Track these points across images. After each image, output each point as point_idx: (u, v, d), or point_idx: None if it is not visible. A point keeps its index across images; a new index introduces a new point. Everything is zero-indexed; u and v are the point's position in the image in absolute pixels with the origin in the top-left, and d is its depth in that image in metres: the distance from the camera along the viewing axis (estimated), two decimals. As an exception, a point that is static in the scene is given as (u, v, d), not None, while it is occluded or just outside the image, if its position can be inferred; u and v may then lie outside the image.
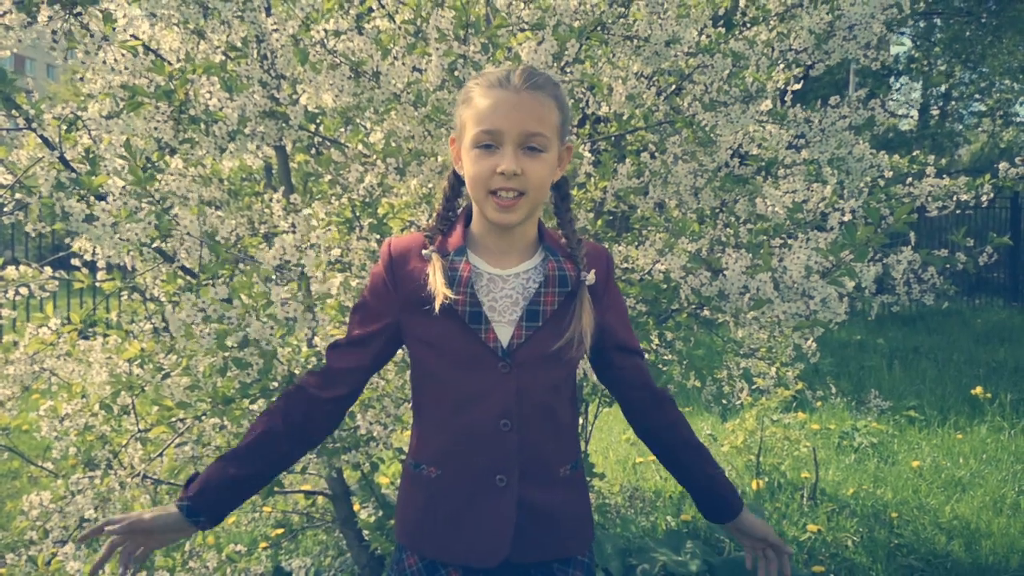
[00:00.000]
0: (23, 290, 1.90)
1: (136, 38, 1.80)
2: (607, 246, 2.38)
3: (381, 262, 1.28)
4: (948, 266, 2.02)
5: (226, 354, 1.57)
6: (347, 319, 1.83)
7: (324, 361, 1.31)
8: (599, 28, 2.01)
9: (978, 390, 5.52)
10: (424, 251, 1.25)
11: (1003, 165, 2.40)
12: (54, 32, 1.68)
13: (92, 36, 1.68)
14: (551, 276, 1.24)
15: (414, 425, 1.32)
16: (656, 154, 2.34)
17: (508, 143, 1.17)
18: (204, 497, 1.22)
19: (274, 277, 1.59)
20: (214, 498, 1.22)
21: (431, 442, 1.27)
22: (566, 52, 1.93)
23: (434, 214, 1.33)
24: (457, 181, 1.32)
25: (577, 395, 2.38)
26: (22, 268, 1.90)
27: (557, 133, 1.22)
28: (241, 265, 1.83)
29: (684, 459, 1.35)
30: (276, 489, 1.90)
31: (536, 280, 1.25)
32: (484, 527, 1.22)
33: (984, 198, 2.40)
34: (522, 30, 2.04)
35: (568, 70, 2.04)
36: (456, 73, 1.85)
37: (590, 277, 1.25)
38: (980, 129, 21.21)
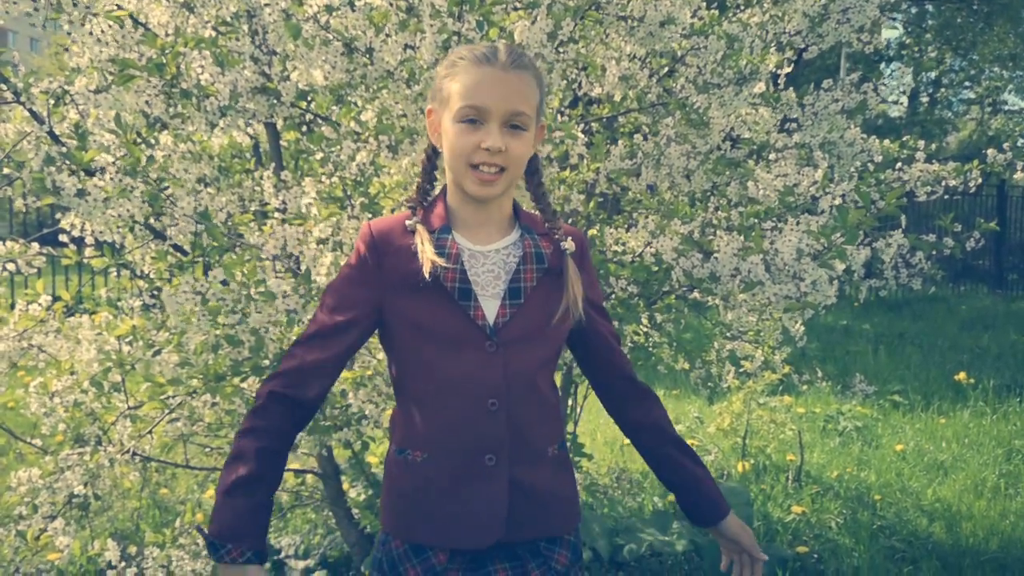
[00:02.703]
0: (10, 266, 1.89)
1: (121, 8, 1.78)
2: (599, 228, 2.38)
3: (362, 243, 1.25)
4: (935, 252, 2.04)
5: (218, 332, 1.56)
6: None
7: (287, 360, 1.23)
8: (594, 7, 2.00)
9: (961, 376, 5.58)
10: (408, 222, 1.23)
11: (991, 151, 2.42)
12: (36, 0, 1.65)
13: (76, 5, 1.65)
14: (528, 253, 1.25)
15: (396, 411, 1.31)
16: (649, 136, 2.34)
17: (493, 120, 1.17)
18: (220, 526, 1.13)
19: (265, 258, 1.58)
20: (231, 522, 1.13)
21: (416, 426, 1.25)
22: (560, 31, 1.92)
23: (414, 188, 1.32)
24: (433, 154, 1.32)
25: (569, 376, 2.38)
26: (9, 244, 1.88)
27: (536, 112, 1.23)
28: (238, 249, 1.82)
29: (674, 456, 1.35)
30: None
31: (516, 255, 1.25)
32: (476, 509, 1.22)
33: (972, 184, 2.41)
34: (516, 8, 2.03)
35: (562, 50, 2.03)
36: (450, 51, 1.84)
37: (568, 244, 1.26)
38: (968, 117, 21.31)
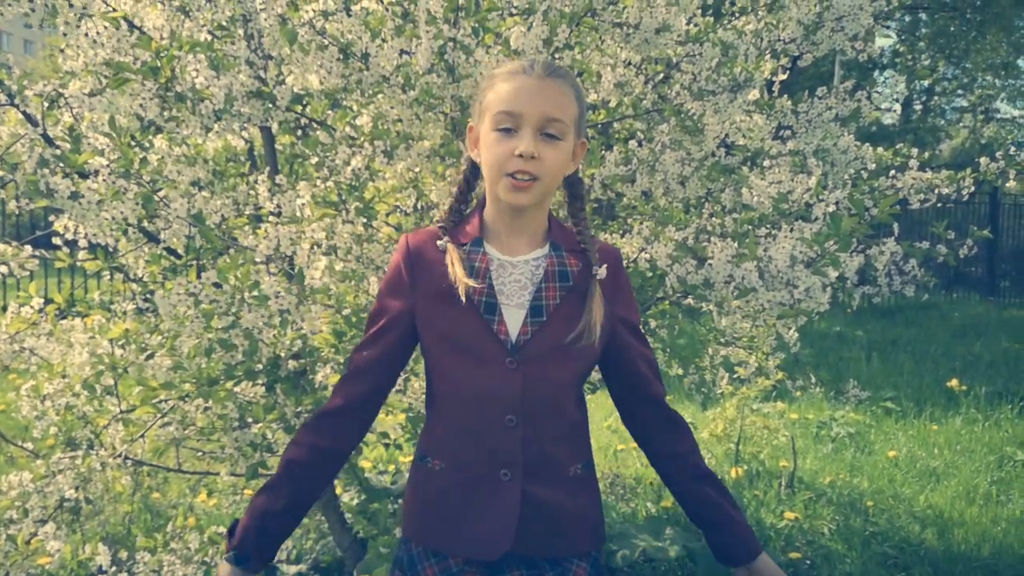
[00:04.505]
0: (2, 268, 1.88)
1: (115, 11, 1.77)
2: (594, 234, 2.39)
3: (399, 255, 1.28)
4: (928, 258, 2.04)
5: (211, 336, 1.56)
6: (334, 303, 1.83)
7: (348, 366, 1.32)
8: (590, 14, 2.01)
9: (954, 382, 5.60)
10: (439, 241, 1.26)
11: (984, 159, 2.42)
12: (32, 2, 1.65)
13: (72, 7, 1.65)
14: (550, 271, 1.25)
15: (427, 418, 1.33)
16: (644, 142, 2.35)
17: (527, 126, 1.18)
18: (246, 543, 1.25)
19: (260, 260, 1.58)
20: (255, 540, 1.25)
21: (437, 435, 1.28)
22: (556, 38, 1.93)
23: (447, 206, 1.34)
24: (472, 172, 1.33)
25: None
26: (1, 246, 1.87)
27: (574, 124, 1.23)
28: (232, 252, 1.81)
29: (701, 492, 1.30)
30: (261, 471, 1.89)
31: (543, 270, 1.26)
32: (487, 521, 1.23)
33: (965, 192, 2.42)
34: (512, 14, 2.03)
35: (557, 56, 2.03)
36: (446, 56, 1.84)
37: (601, 272, 1.26)
38: (961, 125, 21.42)
